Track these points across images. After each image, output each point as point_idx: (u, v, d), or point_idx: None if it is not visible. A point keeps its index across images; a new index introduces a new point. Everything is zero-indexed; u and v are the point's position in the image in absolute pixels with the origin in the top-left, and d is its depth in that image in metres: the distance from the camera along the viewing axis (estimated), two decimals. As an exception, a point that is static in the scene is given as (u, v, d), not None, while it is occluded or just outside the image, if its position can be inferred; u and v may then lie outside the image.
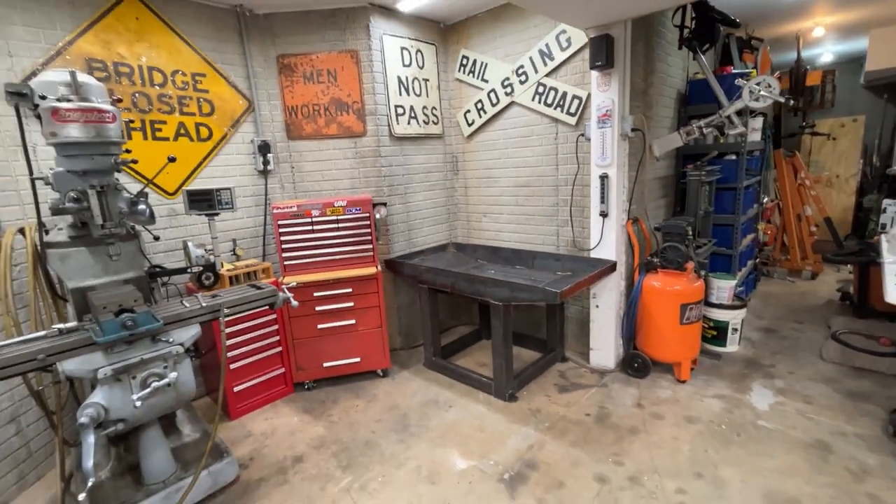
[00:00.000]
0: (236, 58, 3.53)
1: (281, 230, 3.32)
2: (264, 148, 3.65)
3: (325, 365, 3.48)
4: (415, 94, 3.98)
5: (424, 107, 4.08)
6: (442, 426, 2.94)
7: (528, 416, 2.99)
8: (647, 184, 3.58)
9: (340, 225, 3.41)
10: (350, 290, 3.39)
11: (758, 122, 4.22)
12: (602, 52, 2.98)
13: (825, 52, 6.64)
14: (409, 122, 3.96)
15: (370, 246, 3.46)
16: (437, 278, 3.46)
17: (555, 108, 3.56)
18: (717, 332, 3.66)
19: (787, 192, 5.64)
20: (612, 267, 3.31)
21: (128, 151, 2.17)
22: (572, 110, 3.46)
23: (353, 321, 3.46)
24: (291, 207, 3.31)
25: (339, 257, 3.44)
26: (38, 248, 2.22)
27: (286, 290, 2.53)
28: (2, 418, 2.49)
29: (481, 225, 4.40)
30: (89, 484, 1.68)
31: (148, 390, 1.90)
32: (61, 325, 1.92)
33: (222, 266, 3.14)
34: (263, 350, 3.30)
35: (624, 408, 3.01)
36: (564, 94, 3.47)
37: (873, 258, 3.81)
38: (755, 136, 4.21)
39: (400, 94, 3.86)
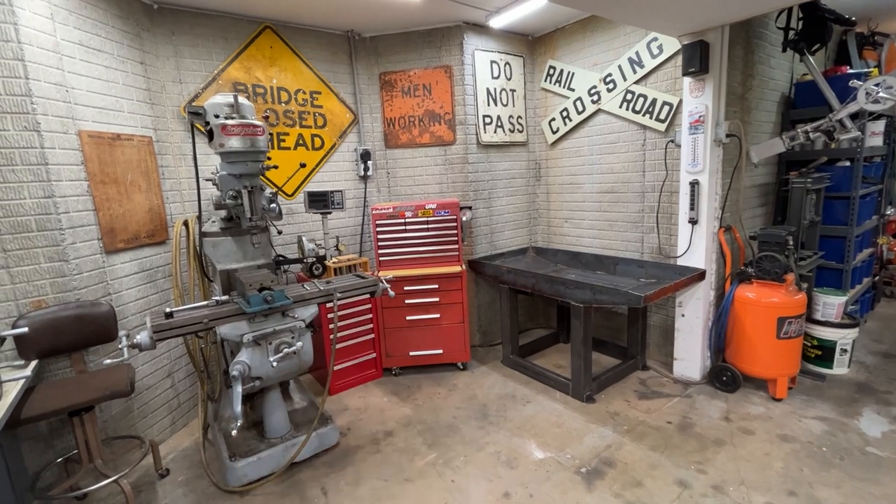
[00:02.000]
0: (345, 76, 4.01)
1: (378, 229, 3.70)
2: (365, 156, 4.09)
3: (411, 354, 3.80)
4: (502, 104, 4.20)
5: (510, 116, 4.28)
6: (519, 418, 3.09)
7: (605, 417, 3.04)
8: (743, 191, 3.45)
9: (430, 226, 3.71)
10: (437, 286, 3.68)
11: (879, 126, 3.84)
12: (696, 59, 2.97)
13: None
14: (495, 131, 4.18)
15: (456, 246, 3.72)
16: (517, 279, 3.62)
17: (643, 115, 3.57)
18: (821, 352, 3.40)
19: (919, 203, 4.97)
20: (700, 275, 3.24)
21: (269, 159, 2.63)
22: (662, 116, 3.45)
23: (437, 315, 3.73)
24: (388, 209, 3.68)
25: (428, 256, 3.74)
26: (198, 236, 2.76)
27: (385, 282, 2.86)
28: (161, 374, 3.08)
29: (562, 230, 4.48)
30: (238, 423, 2.09)
31: (280, 354, 2.30)
32: (217, 298, 2.40)
33: (330, 259, 3.58)
34: (359, 336, 3.69)
35: (709, 419, 2.94)
36: (654, 101, 3.48)
37: None
38: (876, 141, 3.84)
39: (488, 104, 4.10)
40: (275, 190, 3.69)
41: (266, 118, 2.53)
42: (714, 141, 3.10)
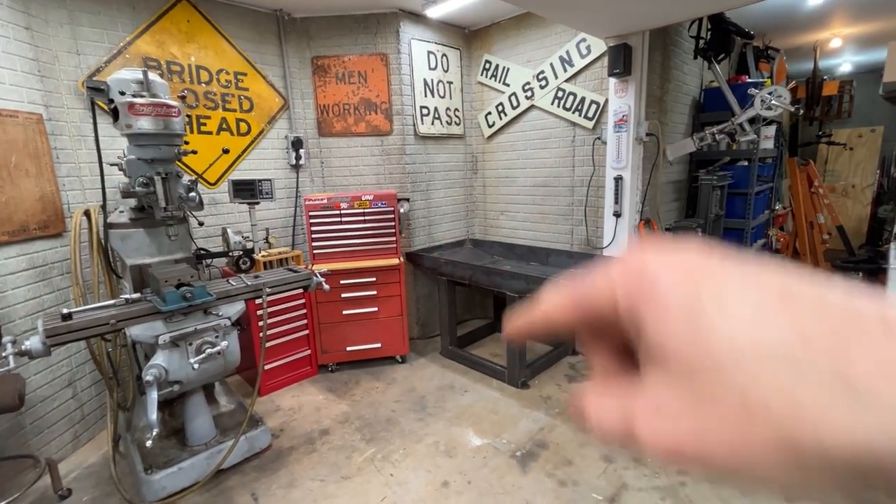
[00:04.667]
0: (274, 58, 3.77)
1: (311, 220, 3.55)
2: (297, 143, 3.89)
3: (348, 349, 3.70)
4: (439, 95, 4.19)
5: (448, 108, 4.28)
6: (457, 408, 3.14)
7: (539, 401, 3.17)
8: (660, 187, 3.73)
9: (366, 218, 3.62)
10: (374, 279, 3.61)
11: (771, 130, 4.34)
12: (620, 61, 3.15)
13: (844, 63, 6.70)
14: (432, 123, 4.16)
15: (394, 238, 3.67)
16: (455, 271, 3.65)
17: (573, 112, 3.73)
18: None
19: (800, 199, 5.72)
20: (623, 265, 3.46)
21: (186, 143, 2.40)
22: (590, 115, 3.63)
23: (375, 309, 3.67)
24: (322, 200, 3.54)
25: (365, 248, 3.66)
26: (102, 228, 2.47)
27: (319, 275, 2.75)
28: (60, 383, 2.74)
29: (498, 222, 4.59)
30: (154, 432, 1.91)
31: (203, 356, 2.13)
32: (127, 296, 2.16)
33: (258, 252, 3.37)
34: (292, 332, 3.52)
35: (631, 398, 3.17)
36: (583, 99, 3.65)
37: (881, 266, 3.91)
38: (768, 144, 4.33)
39: (425, 95, 4.07)
40: (194, 177, 3.39)
41: (183, 98, 2.31)
42: (636, 139, 3.32)
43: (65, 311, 1.98)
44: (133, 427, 2.67)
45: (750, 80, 4.01)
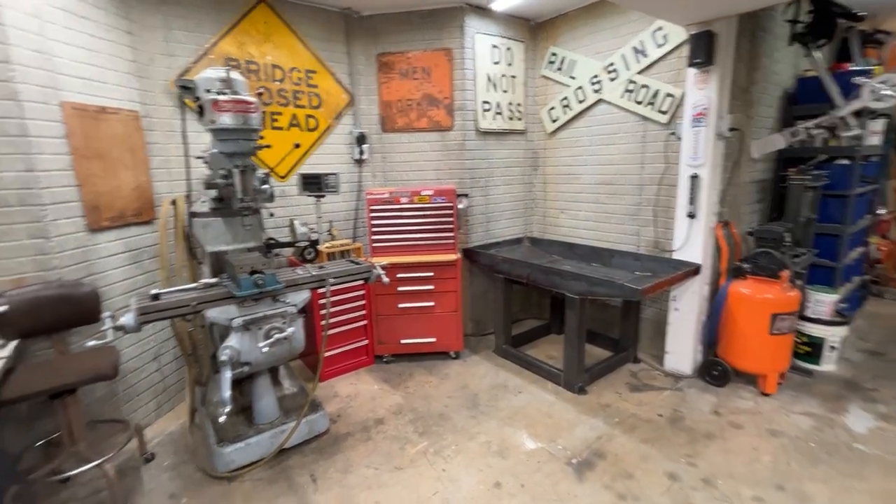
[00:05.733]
0: (342, 56, 3.89)
1: (372, 214, 3.63)
2: (361, 139, 3.99)
3: (403, 342, 3.76)
4: (501, 90, 4.12)
5: (510, 103, 4.20)
6: (510, 408, 3.08)
7: (597, 409, 3.04)
8: (742, 186, 3.43)
9: (426, 213, 3.64)
10: (431, 273, 3.63)
11: (878, 125, 3.83)
12: (702, 50, 2.92)
13: (973, 46, 5.76)
14: (494, 118, 4.10)
15: (452, 234, 3.67)
16: (513, 269, 3.59)
17: (645, 106, 3.51)
18: (811, 349, 3.43)
19: (910, 203, 5.02)
20: (695, 270, 3.23)
21: (261, 137, 2.53)
22: (664, 108, 3.40)
23: (431, 303, 3.69)
24: (383, 194, 3.60)
25: (423, 243, 3.68)
26: (186, 217, 2.67)
27: (379, 268, 2.80)
28: (147, 357, 3.01)
29: (558, 221, 4.45)
30: (227, 409, 2.04)
31: (271, 340, 2.24)
32: (207, 280, 2.33)
33: (323, 243, 3.50)
34: (351, 322, 3.64)
35: (699, 413, 2.95)
36: (657, 92, 3.42)
37: None
38: (874, 140, 3.83)
39: (487, 90, 4.01)
40: (267, 171, 3.59)
41: (260, 95, 2.44)
42: (716, 135, 3.07)
43: (154, 291, 2.16)
44: (207, 401, 2.87)
45: (855, 69, 3.56)
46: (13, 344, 2.16)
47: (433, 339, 3.76)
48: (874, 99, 2.76)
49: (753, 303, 3.04)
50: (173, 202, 2.86)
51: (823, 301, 3.38)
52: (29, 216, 2.26)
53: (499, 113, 4.13)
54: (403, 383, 3.48)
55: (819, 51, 3.13)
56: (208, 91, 2.24)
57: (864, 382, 3.29)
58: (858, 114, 2.91)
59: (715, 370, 3.27)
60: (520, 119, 4.32)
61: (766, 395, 3.13)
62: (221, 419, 2.01)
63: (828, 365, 3.42)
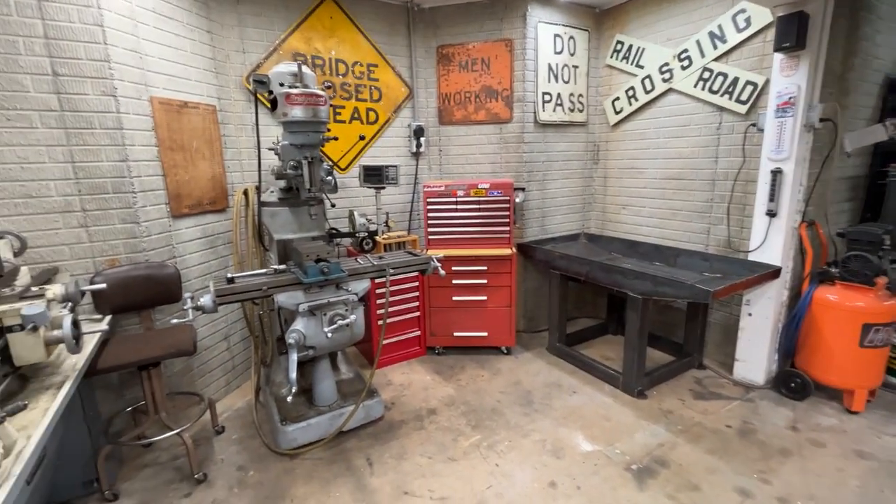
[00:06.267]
0: (402, 49, 3.92)
1: (429, 206, 3.65)
2: (419, 132, 4.02)
3: (455, 334, 3.77)
4: (563, 81, 3.99)
5: (571, 94, 4.07)
6: (565, 408, 3.01)
7: (658, 414, 2.90)
8: (832, 183, 3.12)
9: (482, 206, 3.62)
10: (485, 267, 3.60)
11: None
12: (792, 32, 2.66)
13: None
14: (554, 110, 3.99)
15: (508, 228, 3.62)
16: (570, 265, 3.49)
17: (721, 96, 3.28)
18: (908, 365, 3.08)
19: None
20: (774, 273, 2.99)
21: (328, 130, 2.61)
22: (743, 98, 3.15)
23: (484, 297, 3.67)
24: (439, 187, 3.61)
25: (478, 236, 3.66)
26: (256, 206, 2.81)
27: (435, 260, 2.81)
28: (218, 336, 3.21)
29: (619, 217, 4.27)
30: (294, 389, 2.14)
31: (334, 326, 2.32)
32: (276, 266, 2.44)
33: (381, 234, 3.58)
34: (405, 313, 3.69)
35: (773, 427, 2.74)
36: (735, 80, 3.18)
37: None
38: None
39: (549, 81, 3.91)
40: (331, 163, 3.70)
41: (328, 88, 2.50)
42: (805, 126, 2.80)
43: (229, 275, 2.29)
44: (271, 381, 3.03)
45: (977, 50, 3.13)
46: (108, 318, 2.38)
47: (485, 334, 3.74)
48: None
49: (842, 311, 2.77)
50: (245, 192, 3.02)
51: (926, 312, 3.01)
52: (122, 202, 2.47)
53: (559, 104, 4.01)
54: (455, 376, 3.50)
55: (934, 30, 2.77)
56: (281, 85, 2.33)
57: (973, 406, 2.92)
58: (983, 101, 2.55)
59: (793, 382, 3.01)
60: (581, 111, 4.18)
61: (852, 412, 2.85)
62: (289, 398, 2.10)
63: (928, 384, 3.06)
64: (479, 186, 3.59)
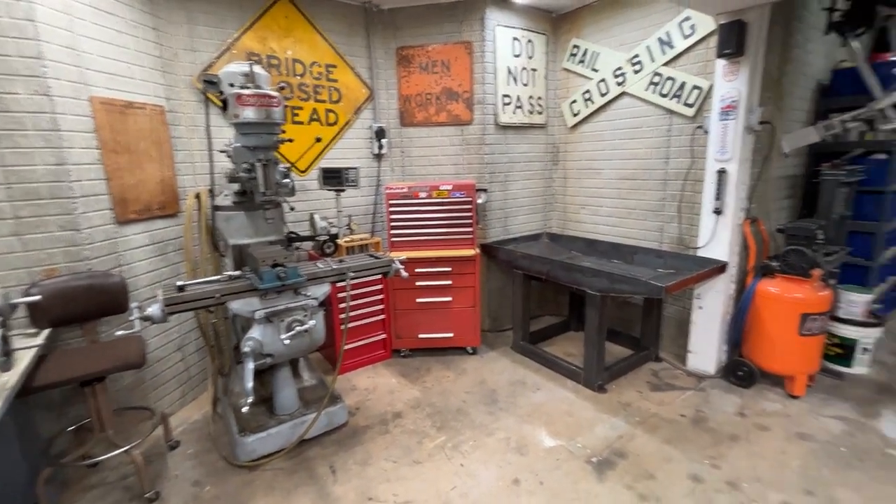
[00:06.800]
0: (361, 50, 3.88)
1: (391, 209, 3.63)
2: (380, 133, 3.99)
3: (421, 336, 3.76)
4: (522, 83, 4.06)
5: (530, 96, 4.14)
6: (529, 405, 3.06)
7: (617, 407, 3.00)
8: (771, 182, 3.32)
9: (444, 207, 3.62)
10: (449, 269, 3.62)
11: (919, 118, 3.65)
12: (732, 40, 2.82)
13: None
14: (514, 112, 4.05)
15: (471, 229, 3.64)
16: (532, 265, 3.55)
17: (671, 99, 3.42)
18: (842, 350, 3.31)
19: (951, 201, 4.80)
20: (721, 267, 3.15)
21: (283, 132, 2.55)
22: (690, 101, 3.30)
23: (449, 298, 3.68)
24: (402, 188, 3.60)
25: (441, 238, 3.67)
26: (210, 210, 2.71)
27: (398, 262, 2.80)
28: (171, 347, 3.07)
29: (578, 217, 4.38)
30: (250, 400, 2.07)
31: (292, 332, 2.26)
32: (230, 273, 2.36)
33: (342, 237, 3.52)
34: (369, 316, 3.65)
35: (724, 414, 2.88)
36: (683, 84, 3.33)
37: None
38: (914, 134, 3.66)
39: (508, 83, 3.96)
40: (287, 165, 3.61)
41: (282, 89, 2.44)
42: (746, 128, 2.97)
43: (179, 283, 2.20)
44: (229, 392, 2.93)
45: (895, 59, 3.40)
46: (46, 332, 2.23)
47: (450, 335, 3.76)
48: (917, 90, 2.63)
49: (782, 302, 2.95)
50: (197, 196, 2.91)
51: (856, 301, 3.25)
52: (60, 208, 2.33)
53: (519, 106, 4.08)
54: (421, 378, 3.49)
55: (857, 40, 2.99)
56: (232, 85, 2.26)
57: (898, 386, 3.17)
58: (899, 106, 2.78)
59: (740, 371, 3.18)
60: (540, 113, 4.26)
61: (794, 397, 3.03)
62: (244, 409, 2.04)
63: (860, 367, 3.29)
64: (442, 188, 3.60)
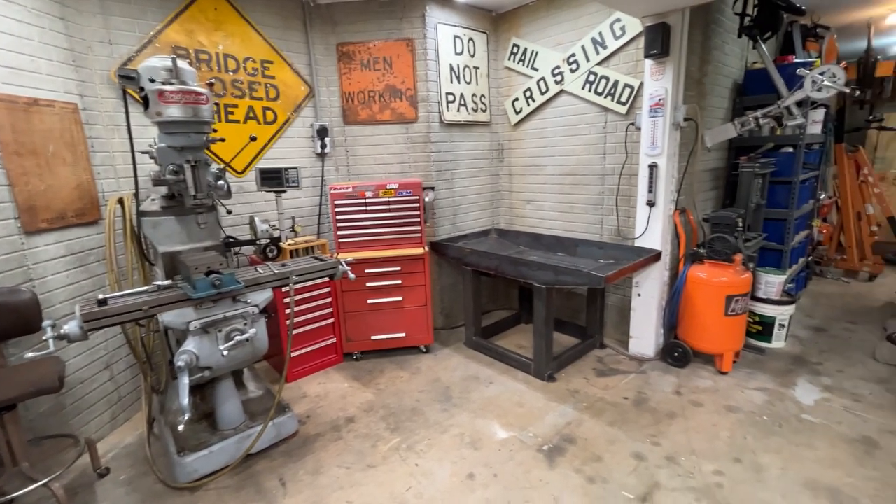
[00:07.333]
0: (300, 46, 3.75)
1: (337, 209, 3.54)
2: (322, 132, 3.87)
3: (373, 338, 3.71)
4: (465, 81, 4.09)
5: (474, 94, 4.19)
6: (482, 399, 3.10)
7: (566, 395, 3.10)
8: (697, 175, 3.56)
9: (391, 206, 3.59)
10: (399, 268, 3.58)
11: (819, 115, 4.07)
12: (658, 41, 2.99)
13: (900, 41, 6.21)
14: (458, 110, 4.08)
15: (419, 227, 3.63)
16: (481, 261, 3.59)
17: (605, 97, 3.58)
18: (762, 328, 3.62)
19: (848, 188, 5.39)
20: (656, 256, 3.34)
21: (214, 131, 2.41)
22: (623, 99, 3.47)
23: (400, 298, 3.65)
24: (347, 188, 3.52)
25: (389, 237, 3.63)
26: (134, 216, 2.51)
27: (344, 264, 2.73)
28: (98, 365, 2.83)
29: (524, 212, 4.49)
30: (186, 417, 1.94)
31: (231, 342, 2.15)
32: (159, 283, 2.20)
33: (285, 240, 3.39)
34: (318, 320, 3.55)
35: (662, 394, 3.07)
36: (616, 83, 3.49)
37: (939, 259, 3.63)
38: (815, 129, 4.07)
39: (451, 81, 3.98)
40: (222, 165, 3.43)
41: (211, 85, 2.30)
42: (673, 124, 3.16)
43: (100, 296, 2.02)
44: (166, 410, 2.74)
45: (798, 61, 3.76)
46: (-60, 359, 1.98)
47: (403, 334, 3.73)
48: (815, 89, 2.92)
49: (710, 286, 3.18)
50: (120, 201, 2.68)
51: (773, 282, 3.57)
52: (-48, 219, 2.07)
53: (463, 104, 4.11)
54: (374, 380, 3.44)
55: (765, 43, 3.27)
56: (152, 81, 2.10)
57: (810, 357, 3.51)
58: (801, 104, 3.07)
59: (676, 352, 3.40)
60: (484, 111, 4.32)
61: (723, 373, 3.28)
62: (181, 427, 1.91)
63: (778, 342, 3.63)
64: (388, 187, 3.55)
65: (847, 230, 5.49)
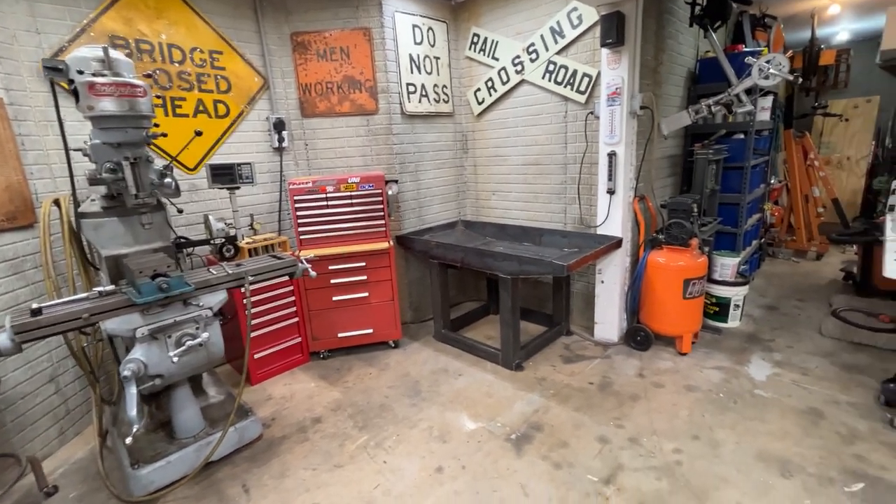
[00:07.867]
0: (251, 35, 3.59)
1: (297, 205, 3.43)
2: (279, 125, 3.74)
3: (340, 335, 3.64)
4: (426, 72, 4.03)
5: (435, 85, 4.13)
6: (451, 392, 3.10)
7: (533, 383, 3.14)
8: (655, 162, 3.64)
9: (354, 201, 3.51)
10: (363, 263, 3.52)
11: (767, 102, 4.22)
12: (613, 30, 3.01)
13: (841, 31, 6.54)
14: (420, 101, 4.02)
15: (383, 221, 3.57)
16: (447, 253, 3.57)
17: (565, 87, 3.60)
18: (718, 308, 3.76)
19: (796, 172, 5.65)
20: (617, 243, 3.40)
21: (156, 125, 2.27)
22: (582, 88, 3.50)
23: (366, 294, 3.59)
24: (307, 183, 3.42)
25: (353, 232, 3.56)
26: (73, 218, 2.35)
27: (304, 262, 2.65)
28: (41, 378, 2.65)
29: (490, 203, 4.49)
30: (134, 429, 1.84)
31: (183, 348, 2.05)
32: (101, 288, 2.07)
33: (242, 239, 3.27)
34: (281, 320, 3.45)
35: (626, 377, 3.15)
36: (575, 72, 3.51)
37: (877, 238, 3.86)
38: (764, 116, 4.22)
39: (412, 72, 3.91)
40: (168, 161, 3.26)
41: (150, 76, 2.16)
42: (630, 113, 3.21)
43: (34, 305, 1.88)
44: (119, 421, 2.60)
45: (747, 50, 3.88)
46: None
47: (371, 331, 3.68)
48: (762, 77, 3.02)
49: (668, 270, 3.27)
50: (56, 202, 2.51)
51: (727, 264, 3.70)
52: None
53: (424, 95, 4.05)
54: (342, 378, 3.38)
55: (715, 32, 3.36)
56: (82, 72, 1.95)
57: (763, 335, 3.68)
58: (749, 91, 3.17)
59: (638, 336, 3.49)
60: (447, 101, 4.27)
61: (682, 354, 3.39)
62: (128, 441, 1.81)
63: (733, 322, 3.78)
64: (350, 181, 3.47)
65: (796, 212, 5.78)
